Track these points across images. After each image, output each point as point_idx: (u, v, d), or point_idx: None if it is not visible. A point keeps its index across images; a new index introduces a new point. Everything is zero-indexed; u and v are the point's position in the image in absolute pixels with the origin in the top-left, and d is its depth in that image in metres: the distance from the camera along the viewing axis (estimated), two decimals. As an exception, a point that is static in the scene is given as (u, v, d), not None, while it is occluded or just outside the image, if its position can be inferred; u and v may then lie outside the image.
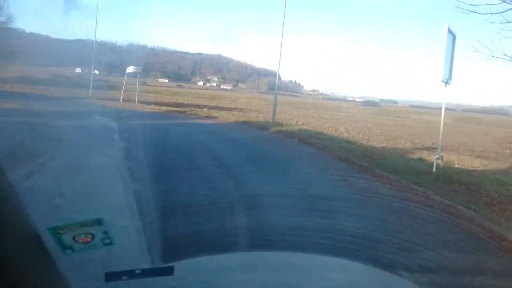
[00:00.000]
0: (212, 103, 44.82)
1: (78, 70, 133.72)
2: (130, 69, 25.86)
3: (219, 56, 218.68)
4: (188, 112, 22.03)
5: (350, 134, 18.09)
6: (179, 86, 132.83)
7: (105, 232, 0.94)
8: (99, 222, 0.92)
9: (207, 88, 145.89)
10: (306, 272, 1.62)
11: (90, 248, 0.94)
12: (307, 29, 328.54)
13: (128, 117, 17.01)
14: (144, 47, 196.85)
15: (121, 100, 25.91)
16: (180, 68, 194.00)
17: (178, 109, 24.24)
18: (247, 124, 17.98)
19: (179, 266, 1.31)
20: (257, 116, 25.41)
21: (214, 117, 20.10)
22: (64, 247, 0.91)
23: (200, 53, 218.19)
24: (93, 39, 28.40)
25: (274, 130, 15.66)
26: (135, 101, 26.41)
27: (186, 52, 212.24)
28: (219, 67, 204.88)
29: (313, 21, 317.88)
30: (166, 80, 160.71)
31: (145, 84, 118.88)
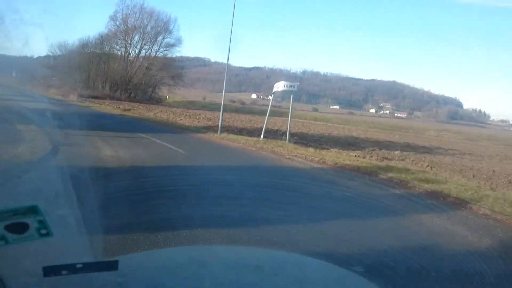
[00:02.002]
0: (396, 137, 31.94)
1: (253, 96, 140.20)
2: (280, 86, 15.69)
3: (393, 83, 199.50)
4: (381, 175, 10.00)
5: None
6: (350, 113, 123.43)
7: (41, 222, 0.86)
8: (33, 210, 0.85)
9: (379, 116, 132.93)
10: (258, 267, 1.56)
11: (25, 239, 0.86)
12: (497, 50, 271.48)
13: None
14: (317, 74, 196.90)
15: (261, 136, 16.01)
16: (352, 94, 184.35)
17: (360, 161, 12.30)
18: None
19: (124, 260, 1.27)
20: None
21: (460, 205, 7.53)
22: None
23: (373, 79, 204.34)
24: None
25: None
26: (285, 136, 16.09)
27: (359, 79, 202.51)
28: (393, 93, 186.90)
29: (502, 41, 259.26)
30: (337, 107, 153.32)
31: (315, 110, 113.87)
